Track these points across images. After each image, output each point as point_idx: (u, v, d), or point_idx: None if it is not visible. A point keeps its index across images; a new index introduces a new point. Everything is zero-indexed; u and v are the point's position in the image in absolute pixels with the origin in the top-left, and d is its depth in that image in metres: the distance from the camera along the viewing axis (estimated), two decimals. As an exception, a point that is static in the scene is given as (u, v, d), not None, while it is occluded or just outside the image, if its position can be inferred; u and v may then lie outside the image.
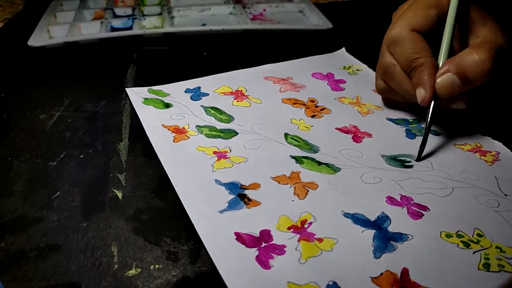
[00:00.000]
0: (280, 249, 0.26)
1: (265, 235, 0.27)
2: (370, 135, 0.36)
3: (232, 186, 0.30)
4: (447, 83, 0.31)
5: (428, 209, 0.29)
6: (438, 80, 0.32)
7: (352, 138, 0.36)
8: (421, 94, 0.32)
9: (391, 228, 0.27)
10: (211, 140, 0.35)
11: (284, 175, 0.32)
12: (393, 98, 0.38)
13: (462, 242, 0.26)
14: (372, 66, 0.47)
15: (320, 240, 0.27)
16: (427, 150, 0.34)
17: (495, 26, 0.32)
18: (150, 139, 0.35)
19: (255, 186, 0.31)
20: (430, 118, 0.33)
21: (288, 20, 0.61)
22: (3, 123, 0.38)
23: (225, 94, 0.42)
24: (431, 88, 0.32)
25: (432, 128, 0.37)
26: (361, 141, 0.35)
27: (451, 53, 0.33)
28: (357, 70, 0.47)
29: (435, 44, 0.33)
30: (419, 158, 0.33)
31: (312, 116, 0.39)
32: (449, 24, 0.33)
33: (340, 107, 0.40)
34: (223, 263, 0.25)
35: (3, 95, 0.43)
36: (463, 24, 0.34)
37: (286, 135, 0.36)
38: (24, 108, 0.40)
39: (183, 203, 0.29)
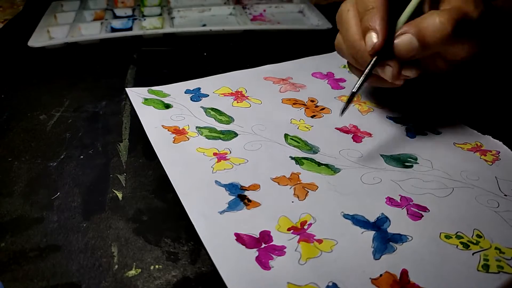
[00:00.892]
0: (280, 250, 0.26)
1: (265, 236, 0.27)
2: (370, 135, 0.36)
3: (232, 187, 0.30)
4: (406, 43, 0.30)
5: (428, 209, 0.29)
6: (396, 41, 0.30)
7: (352, 138, 0.36)
8: (371, 39, 0.30)
9: (391, 229, 0.27)
10: (211, 142, 0.35)
11: (284, 176, 0.32)
12: (345, 57, 0.36)
13: (462, 243, 0.26)
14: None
15: (319, 241, 0.27)
16: (428, 149, 0.34)
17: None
18: (150, 140, 0.35)
19: (255, 187, 0.31)
20: (368, 72, 0.31)
21: (288, 20, 0.61)
22: (3, 124, 0.38)
23: (225, 95, 0.42)
24: (382, 31, 0.30)
25: (432, 126, 0.37)
26: (361, 141, 0.35)
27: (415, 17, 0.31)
28: (357, 70, 0.47)
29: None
30: (342, 113, 0.32)
31: (312, 116, 0.39)
32: None
33: (340, 106, 0.40)
34: (223, 263, 0.25)
35: (3, 95, 0.43)
36: None
37: (286, 136, 0.36)
38: (24, 109, 0.41)
39: (183, 204, 0.29)
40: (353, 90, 0.31)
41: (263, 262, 0.25)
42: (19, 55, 0.51)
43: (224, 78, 0.45)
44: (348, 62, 0.37)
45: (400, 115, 0.39)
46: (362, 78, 0.31)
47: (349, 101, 0.32)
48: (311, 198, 0.30)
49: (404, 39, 0.30)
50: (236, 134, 0.36)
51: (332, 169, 0.32)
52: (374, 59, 0.31)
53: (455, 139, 0.36)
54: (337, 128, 0.37)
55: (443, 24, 0.29)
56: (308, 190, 0.30)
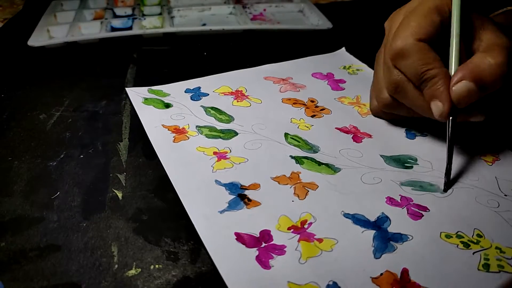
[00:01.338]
0: (280, 249, 0.26)
1: (265, 235, 0.27)
2: (370, 136, 0.36)
3: (232, 187, 0.30)
4: (464, 91, 0.29)
5: (428, 209, 0.29)
6: (453, 89, 0.30)
7: (352, 138, 0.36)
8: (438, 108, 0.30)
9: (391, 229, 0.27)
10: (211, 141, 0.35)
11: (284, 175, 0.32)
12: (398, 114, 0.36)
13: (462, 242, 0.26)
14: (372, 65, 0.47)
15: (320, 240, 0.27)
16: (427, 150, 0.34)
17: (495, 28, 0.31)
18: (150, 139, 0.35)
19: (255, 186, 0.31)
20: (451, 135, 0.31)
21: (288, 20, 0.61)
22: (3, 123, 0.38)
23: (225, 94, 0.42)
24: (448, 100, 0.30)
25: (431, 128, 0.37)
26: (361, 141, 0.35)
27: (461, 60, 0.31)
28: (357, 70, 0.47)
29: (440, 51, 0.31)
30: (446, 189, 0.31)
31: (312, 116, 0.39)
32: (456, 29, 0.31)
33: (340, 107, 0.40)
34: (223, 263, 0.25)
35: (3, 95, 0.43)
36: (463, 29, 0.32)
37: (286, 135, 0.36)
38: (24, 108, 0.40)
39: (183, 203, 0.29)
40: (448, 164, 0.31)
41: (263, 262, 0.25)
42: (19, 55, 0.51)
43: (224, 77, 0.45)
44: (380, 111, 0.37)
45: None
46: (448, 148, 0.31)
47: (448, 175, 0.31)
48: (311, 198, 0.30)
49: (462, 87, 0.29)
50: (236, 133, 0.36)
51: (332, 169, 0.32)
52: (450, 123, 0.31)
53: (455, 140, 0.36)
54: (337, 128, 0.37)
55: (498, 65, 0.29)
56: (308, 189, 0.30)
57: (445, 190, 0.31)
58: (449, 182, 0.31)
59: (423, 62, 0.31)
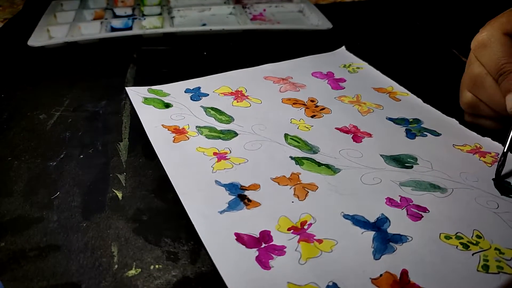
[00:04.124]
0: (280, 250, 0.26)
1: (265, 235, 0.27)
2: (370, 135, 0.36)
3: (232, 187, 0.30)
4: None
5: (428, 210, 0.29)
6: None
7: (352, 138, 0.36)
8: (511, 100, 0.30)
9: (391, 230, 0.27)
10: (211, 141, 0.35)
11: (284, 176, 0.32)
12: (481, 113, 0.36)
13: (461, 243, 0.26)
14: (372, 65, 0.47)
15: (319, 241, 0.27)
16: (427, 150, 0.34)
17: None
18: (150, 139, 0.35)
19: (255, 187, 0.31)
20: None
21: (288, 20, 0.61)
22: (3, 123, 0.38)
23: (225, 94, 0.42)
24: None
25: (432, 128, 0.37)
26: (361, 141, 0.35)
27: None
28: (357, 68, 0.47)
29: None
30: (497, 178, 0.31)
31: (312, 116, 0.39)
32: None
33: (340, 106, 0.40)
34: (223, 263, 0.25)
35: (3, 95, 0.43)
36: None
37: (286, 135, 0.36)
38: (24, 108, 0.40)
39: (183, 203, 0.29)
40: (505, 150, 0.31)
41: (263, 262, 0.25)
42: (19, 55, 0.51)
43: (224, 77, 0.45)
44: (467, 114, 0.37)
45: (399, 116, 0.39)
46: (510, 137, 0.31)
47: (503, 163, 0.31)
48: (311, 198, 0.30)
49: None
50: (236, 134, 0.36)
51: (332, 169, 0.32)
52: None
53: (455, 141, 0.36)
54: (337, 128, 0.37)
55: None
56: (308, 190, 0.30)
57: (496, 179, 0.31)
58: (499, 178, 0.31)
59: (504, 55, 0.31)
